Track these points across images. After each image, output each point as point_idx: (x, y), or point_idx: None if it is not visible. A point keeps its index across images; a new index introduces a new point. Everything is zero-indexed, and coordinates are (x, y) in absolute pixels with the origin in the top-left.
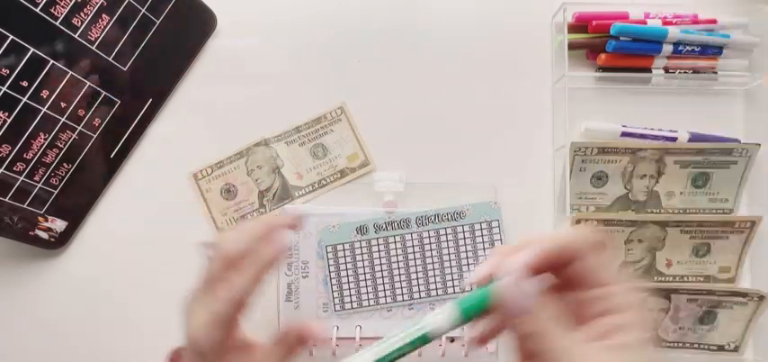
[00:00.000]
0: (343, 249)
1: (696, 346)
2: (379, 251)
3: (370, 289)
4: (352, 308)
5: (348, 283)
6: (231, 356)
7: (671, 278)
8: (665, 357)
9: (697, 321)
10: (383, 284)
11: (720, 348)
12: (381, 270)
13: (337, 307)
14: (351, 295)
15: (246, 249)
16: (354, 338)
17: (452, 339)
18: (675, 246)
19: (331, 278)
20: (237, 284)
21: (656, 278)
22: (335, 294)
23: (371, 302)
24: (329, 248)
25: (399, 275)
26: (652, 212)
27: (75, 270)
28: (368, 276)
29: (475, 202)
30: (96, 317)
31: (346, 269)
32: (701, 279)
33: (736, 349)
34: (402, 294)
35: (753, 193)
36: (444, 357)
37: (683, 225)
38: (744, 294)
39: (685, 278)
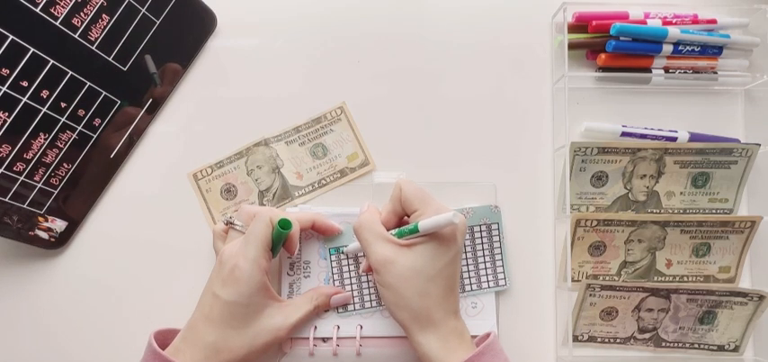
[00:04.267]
0: (346, 252)
1: (696, 346)
2: None
3: (372, 291)
4: (354, 309)
5: (351, 285)
6: (268, 301)
7: (671, 278)
8: (665, 357)
9: (697, 321)
10: None
11: (720, 348)
12: None
13: (340, 309)
14: (354, 297)
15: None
16: (355, 337)
17: None
18: (675, 246)
19: (334, 281)
20: (266, 211)
21: (656, 278)
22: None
23: (374, 303)
24: (332, 251)
25: None
26: (652, 212)
27: (75, 270)
28: (370, 278)
29: (476, 205)
30: (96, 317)
31: (349, 271)
32: (701, 279)
33: (736, 349)
34: None
35: (753, 193)
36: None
37: (683, 225)
38: (744, 294)
39: (685, 278)
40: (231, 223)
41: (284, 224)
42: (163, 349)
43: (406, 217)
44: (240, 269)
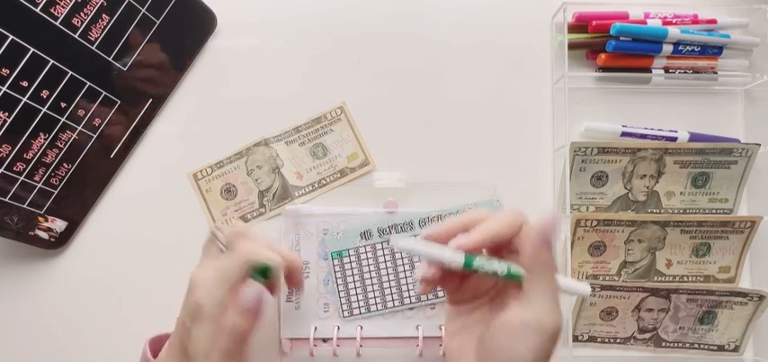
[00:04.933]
0: (349, 255)
1: (696, 346)
2: (384, 255)
3: (377, 293)
4: (359, 313)
5: (355, 288)
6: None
7: (671, 278)
8: (665, 357)
9: (697, 321)
10: (390, 287)
11: (720, 348)
12: (387, 274)
13: (346, 313)
14: (358, 300)
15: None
16: (355, 338)
17: None
18: (675, 246)
19: (338, 284)
20: (247, 249)
21: (656, 278)
22: (343, 300)
23: (379, 306)
24: (334, 255)
25: (406, 277)
26: (652, 212)
27: (75, 270)
28: (374, 281)
29: (477, 201)
30: (96, 317)
31: (352, 275)
32: (701, 279)
33: (736, 349)
34: (409, 297)
35: (753, 193)
36: (445, 358)
37: (683, 225)
38: (744, 294)
39: (685, 278)
40: (215, 236)
41: (263, 271)
42: (155, 356)
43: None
44: (203, 310)
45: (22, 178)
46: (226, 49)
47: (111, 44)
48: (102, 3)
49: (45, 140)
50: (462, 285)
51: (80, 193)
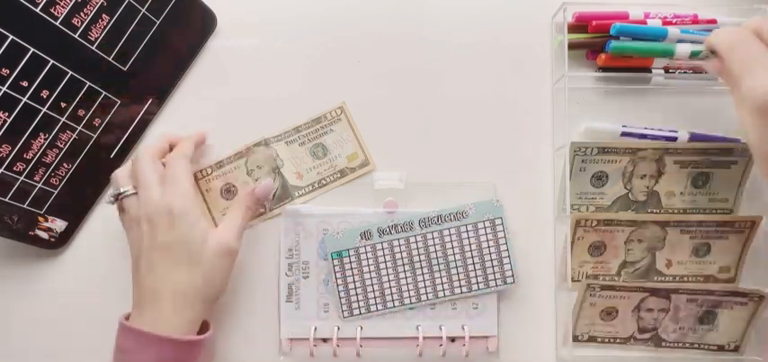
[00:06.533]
0: (349, 255)
1: (696, 346)
2: (384, 255)
3: (377, 293)
4: (360, 314)
5: (355, 288)
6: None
7: (671, 278)
8: (665, 357)
9: (697, 321)
10: (390, 287)
11: (720, 349)
12: (387, 274)
13: (346, 313)
14: (358, 301)
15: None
16: (355, 338)
17: (453, 339)
18: (675, 246)
19: (338, 285)
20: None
21: (656, 278)
22: (343, 300)
23: (380, 306)
24: (334, 255)
25: (406, 278)
26: (652, 212)
27: (75, 270)
28: (374, 281)
29: (476, 201)
30: (96, 317)
31: (352, 275)
32: (701, 279)
33: (736, 349)
34: (409, 297)
35: (753, 193)
36: (445, 357)
37: (683, 225)
38: (744, 294)
39: (685, 278)
40: (121, 195)
41: None
42: None
43: None
44: (179, 209)
45: (22, 178)
46: (226, 49)
47: (111, 44)
48: (102, 3)
49: (45, 140)
50: None
51: (80, 193)
